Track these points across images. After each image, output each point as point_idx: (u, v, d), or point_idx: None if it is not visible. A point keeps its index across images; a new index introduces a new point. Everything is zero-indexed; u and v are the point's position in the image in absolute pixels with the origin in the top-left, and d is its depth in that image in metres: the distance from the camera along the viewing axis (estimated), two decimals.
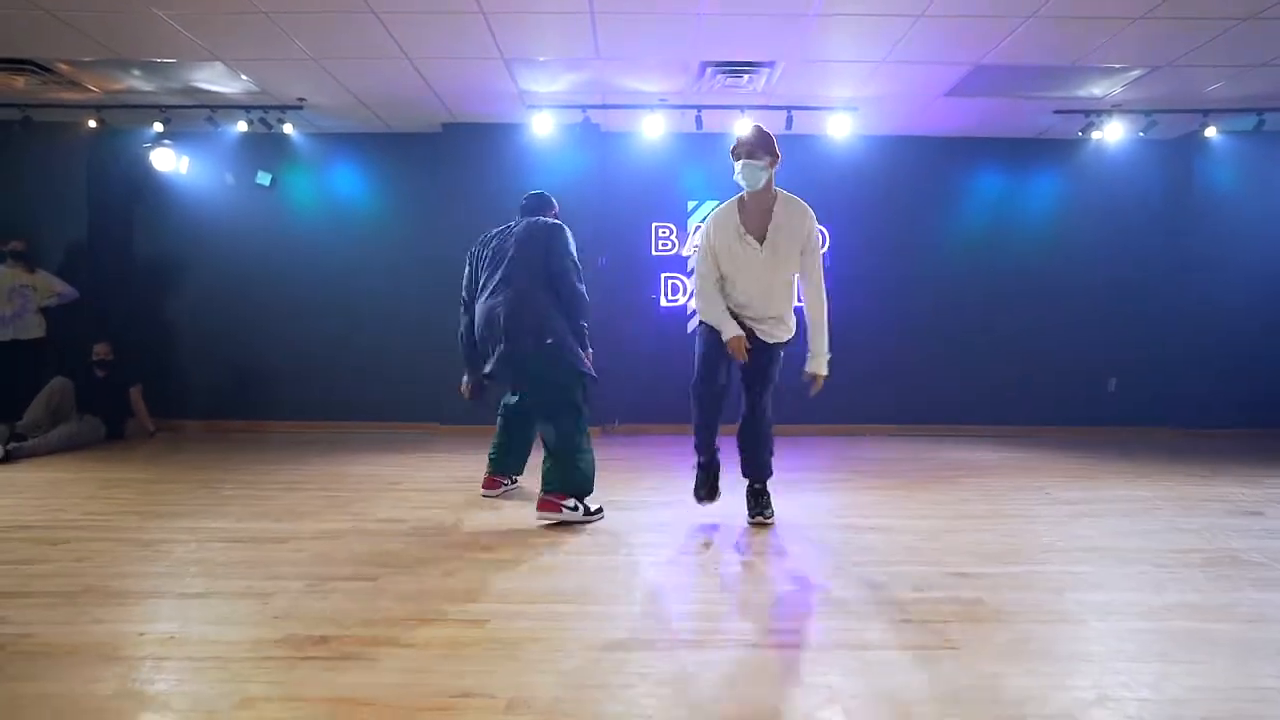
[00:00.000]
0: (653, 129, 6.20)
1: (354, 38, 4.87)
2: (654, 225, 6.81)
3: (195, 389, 6.79)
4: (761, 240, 3.21)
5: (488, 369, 3.35)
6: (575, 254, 3.40)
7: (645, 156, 6.69)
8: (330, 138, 6.78)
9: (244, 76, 5.55)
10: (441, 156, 6.64)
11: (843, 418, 6.59)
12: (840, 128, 6.17)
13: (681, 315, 6.80)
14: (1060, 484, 4.33)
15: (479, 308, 3.38)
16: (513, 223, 3.50)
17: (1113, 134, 6.24)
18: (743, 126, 3.31)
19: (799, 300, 3.29)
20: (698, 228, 6.81)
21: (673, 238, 6.81)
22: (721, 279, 3.27)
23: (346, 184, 6.85)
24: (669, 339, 6.73)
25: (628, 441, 6.26)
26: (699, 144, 6.66)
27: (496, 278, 3.35)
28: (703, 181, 6.79)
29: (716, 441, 3.50)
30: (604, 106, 6.08)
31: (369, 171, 6.86)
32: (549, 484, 3.31)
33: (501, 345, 3.26)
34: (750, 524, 3.31)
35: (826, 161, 6.71)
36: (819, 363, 3.21)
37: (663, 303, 6.80)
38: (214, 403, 6.79)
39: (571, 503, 3.31)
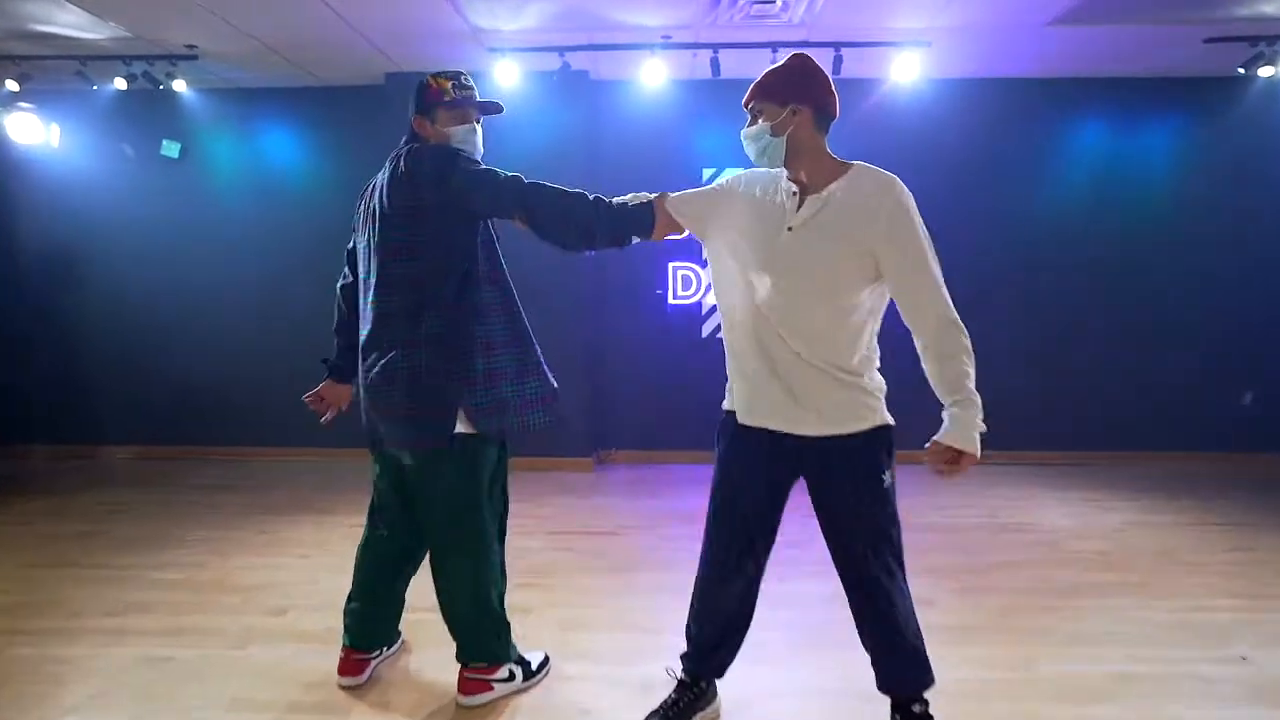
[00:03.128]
0: (654, 77, 4.71)
1: None
2: None
3: (109, 409, 5.63)
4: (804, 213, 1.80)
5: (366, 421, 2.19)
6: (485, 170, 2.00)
7: (646, 112, 5.20)
8: (247, 94, 5.37)
9: (105, 19, 4.15)
10: (387, 114, 5.18)
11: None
12: (906, 69, 4.62)
13: (695, 314, 5.43)
14: (1239, 614, 2.95)
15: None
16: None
17: None
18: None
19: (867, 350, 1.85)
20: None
21: None
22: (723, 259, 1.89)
23: (275, 151, 5.48)
24: (679, 344, 5.39)
25: (622, 480, 5.00)
26: (716, 95, 5.13)
27: (370, 278, 2.11)
28: (721, 143, 5.27)
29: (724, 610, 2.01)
30: (589, 48, 4.58)
31: (301, 134, 5.47)
32: (466, 651, 2.25)
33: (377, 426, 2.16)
34: None
35: (886, 114, 5.15)
36: (962, 427, 1.72)
37: (671, 299, 5.42)
38: (138, 425, 5.62)
39: (504, 671, 2.27)
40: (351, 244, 2.28)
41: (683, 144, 5.29)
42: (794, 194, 1.82)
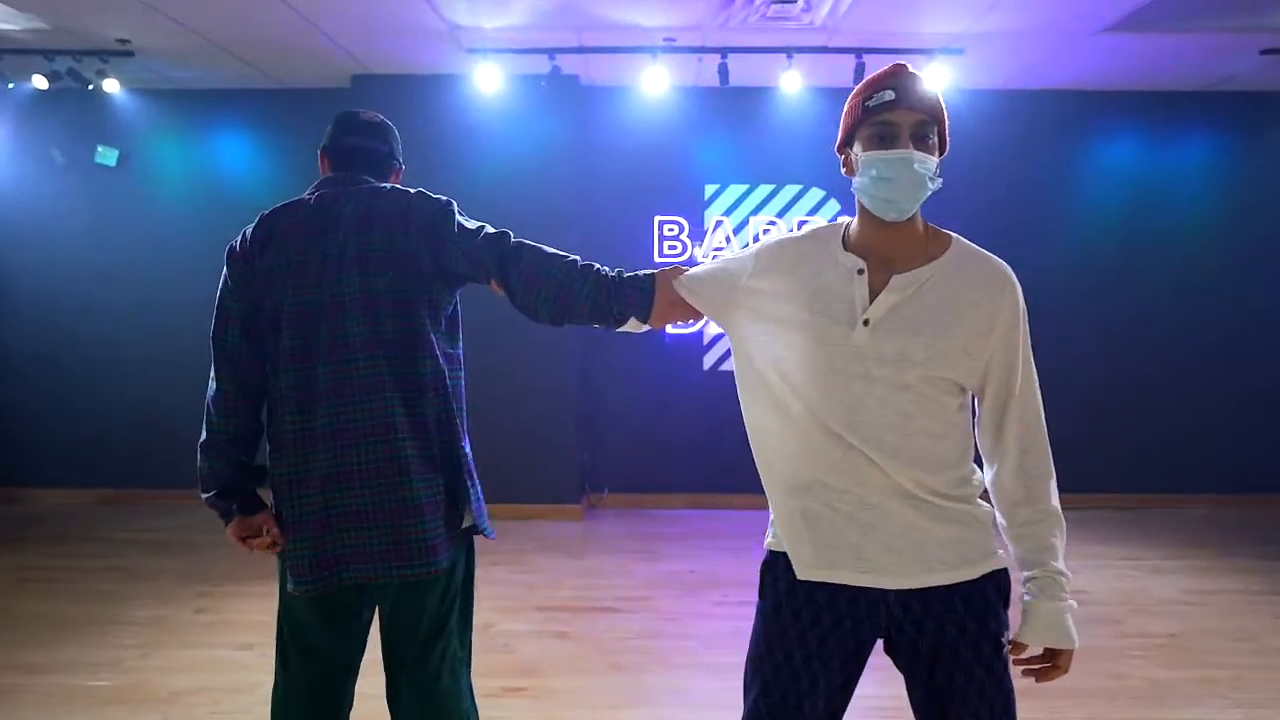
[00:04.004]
0: (656, 83, 4.20)
1: None
2: (657, 220, 4.85)
3: (38, 446, 5.00)
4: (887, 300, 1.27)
5: (294, 582, 1.52)
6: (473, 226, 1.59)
7: (645, 123, 4.68)
8: (196, 96, 4.79)
9: (19, 9, 3.56)
10: None
11: None
12: (936, 78, 4.14)
13: (695, 345, 4.93)
14: None
15: (287, 426, 1.56)
16: (312, 193, 1.66)
17: None
18: (895, 72, 1.25)
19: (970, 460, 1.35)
20: (719, 223, 4.86)
21: (684, 237, 4.86)
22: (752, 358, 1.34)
23: (229, 159, 4.91)
24: (678, 377, 4.89)
25: (616, 533, 4.48)
26: (723, 105, 4.65)
27: (319, 368, 1.53)
28: (727, 157, 4.79)
29: None
30: (581, 50, 4.06)
31: (259, 141, 4.90)
32: None
33: (355, 549, 1.51)
34: None
35: None
36: (1055, 619, 1.28)
37: (670, 329, 4.91)
38: (73, 464, 5.00)
39: None
40: (234, 321, 1.61)
41: (684, 158, 4.79)
42: (860, 272, 1.30)
